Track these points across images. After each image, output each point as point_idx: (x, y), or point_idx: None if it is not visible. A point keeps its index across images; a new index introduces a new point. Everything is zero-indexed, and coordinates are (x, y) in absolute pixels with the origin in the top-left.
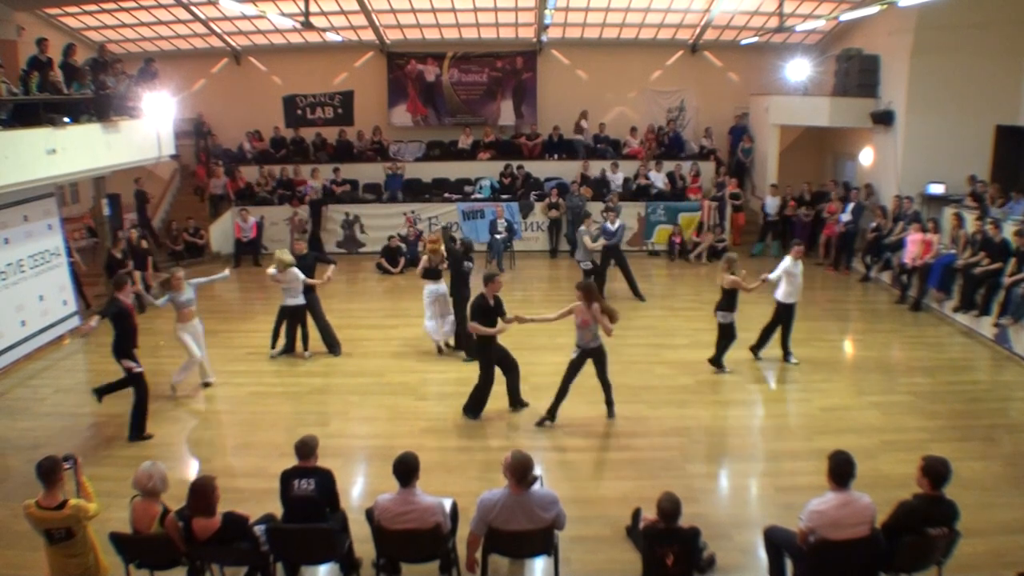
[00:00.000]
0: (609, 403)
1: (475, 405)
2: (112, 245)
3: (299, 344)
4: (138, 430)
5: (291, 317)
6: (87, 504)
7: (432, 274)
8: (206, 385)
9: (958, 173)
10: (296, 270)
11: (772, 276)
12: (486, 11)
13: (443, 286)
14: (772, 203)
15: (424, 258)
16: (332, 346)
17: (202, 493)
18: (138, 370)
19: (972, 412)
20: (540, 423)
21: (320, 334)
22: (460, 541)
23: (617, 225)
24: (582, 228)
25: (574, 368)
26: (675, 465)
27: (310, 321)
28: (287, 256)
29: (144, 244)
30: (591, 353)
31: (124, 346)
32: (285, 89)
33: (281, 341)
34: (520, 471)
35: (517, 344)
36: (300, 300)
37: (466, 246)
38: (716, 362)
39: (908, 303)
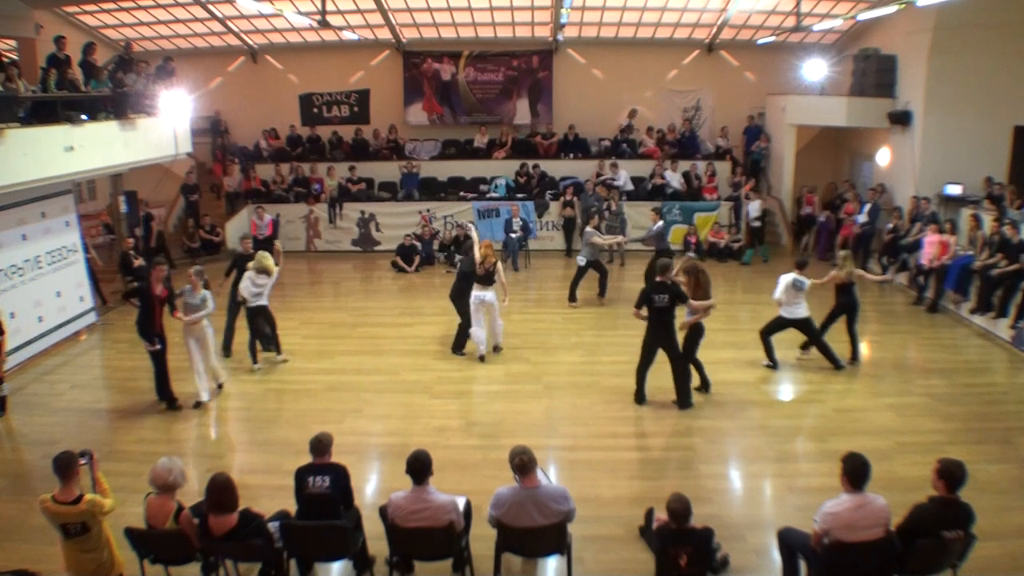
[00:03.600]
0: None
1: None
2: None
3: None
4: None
5: (255, 318)
6: (103, 499)
7: (483, 280)
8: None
9: (976, 174)
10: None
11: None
12: (502, 10)
13: (490, 294)
14: (754, 207)
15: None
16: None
17: (221, 490)
18: (152, 349)
19: (988, 415)
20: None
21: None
22: (473, 539)
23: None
24: (589, 229)
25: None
26: (689, 465)
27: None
28: (269, 260)
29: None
30: None
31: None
32: (301, 87)
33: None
34: (510, 459)
35: (532, 343)
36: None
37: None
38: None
39: (925, 304)
